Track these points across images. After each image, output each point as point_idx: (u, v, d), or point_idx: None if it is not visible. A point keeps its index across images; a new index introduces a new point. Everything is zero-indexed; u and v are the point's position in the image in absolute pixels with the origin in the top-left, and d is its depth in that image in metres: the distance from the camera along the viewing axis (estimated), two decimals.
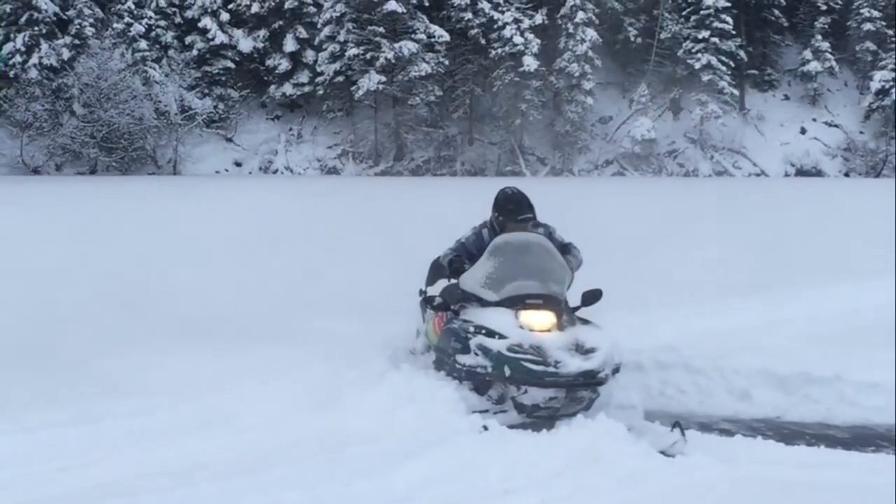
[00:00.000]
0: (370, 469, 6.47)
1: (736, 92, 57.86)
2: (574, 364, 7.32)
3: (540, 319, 7.77)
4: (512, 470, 6.43)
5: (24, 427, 7.66)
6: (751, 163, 58.13)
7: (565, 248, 8.66)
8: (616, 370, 7.61)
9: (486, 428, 7.18)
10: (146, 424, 7.74)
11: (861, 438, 7.88)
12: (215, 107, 56.25)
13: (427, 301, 8.60)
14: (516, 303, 7.91)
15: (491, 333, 7.62)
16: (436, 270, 9.40)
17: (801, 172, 57.31)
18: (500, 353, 7.44)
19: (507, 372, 7.39)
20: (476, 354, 7.62)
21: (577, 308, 8.30)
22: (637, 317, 8.87)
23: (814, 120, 59.86)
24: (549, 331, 7.67)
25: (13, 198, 32.91)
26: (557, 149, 58.18)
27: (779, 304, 13.60)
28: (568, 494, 5.95)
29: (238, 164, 58.14)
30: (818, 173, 57.19)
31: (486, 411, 7.53)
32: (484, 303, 8.14)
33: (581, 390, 7.45)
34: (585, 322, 7.99)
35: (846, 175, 57.04)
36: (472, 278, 8.28)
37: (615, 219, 25.27)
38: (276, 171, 57.75)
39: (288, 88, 58.38)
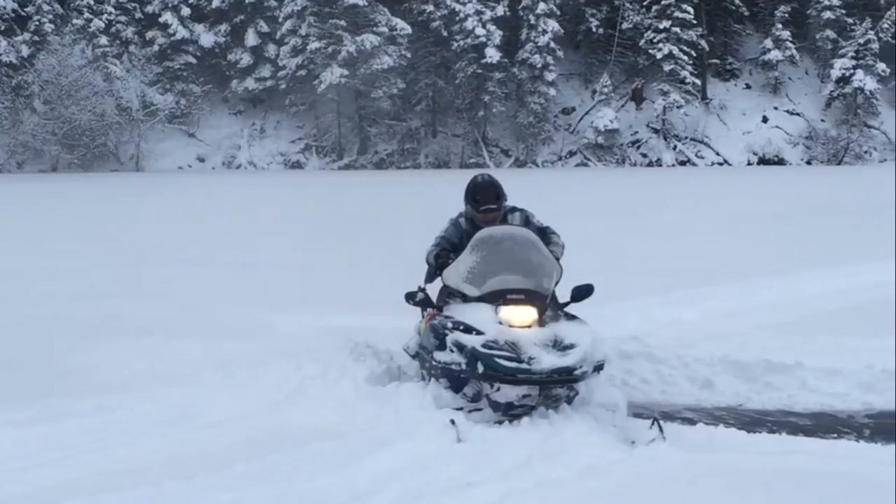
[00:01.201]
0: (333, 464, 6.44)
1: (698, 81, 58.15)
2: (548, 360, 7.08)
3: (520, 315, 7.53)
4: (475, 463, 6.42)
5: None
6: (713, 152, 58.43)
7: (543, 233, 8.38)
8: (598, 367, 7.43)
9: (453, 422, 7.00)
10: (109, 422, 7.66)
11: (823, 425, 7.90)
12: (177, 102, 56.07)
13: (408, 297, 8.20)
14: (498, 298, 7.66)
15: (469, 329, 7.39)
16: (429, 268, 8.93)
17: (763, 161, 57.67)
18: (475, 349, 7.20)
19: (480, 368, 7.18)
20: (451, 351, 7.40)
21: (566, 304, 8.04)
22: (601, 307, 8.84)
23: (775, 108, 60.24)
24: (529, 326, 7.43)
25: None
26: (521, 140, 58.31)
27: (743, 292, 13.66)
28: (531, 486, 5.94)
29: (201, 160, 57.99)
30: (780, 162, 57.58)
31: (461, 409, 7.30)
32: (467, 298, 7.91)
33: (556, 388, 7.24)
34: (572, 317, 7.74)
35: (808, 163, 57.45)
36: (455, 273, 8.04)
37: (579, 210, 25.36)
38: (239, 167, 57.63)
39: (250, 83, 58.28)
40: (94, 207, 29.58)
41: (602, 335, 7.71)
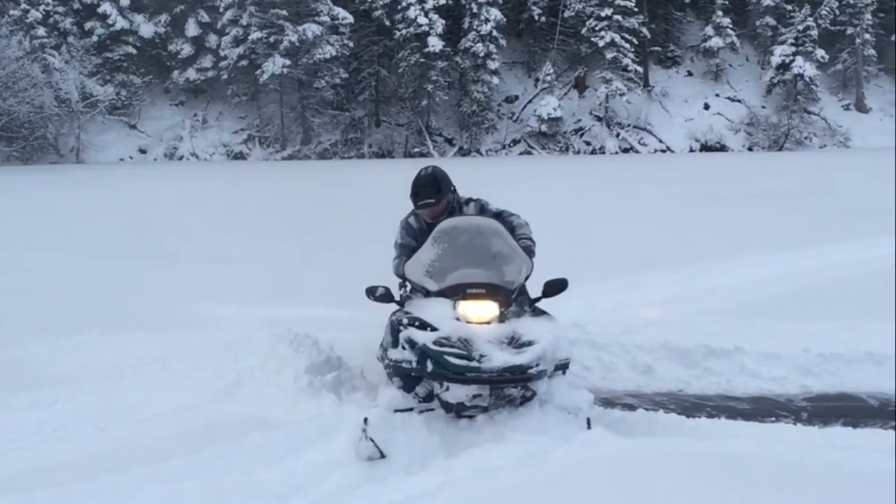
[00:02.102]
0: (271, 456, 6.41)
1: (640, 69, 58.45)
2: (500, 358, 6.68)
3: (478, 310, 7.15)
4: (413, 452, 6.41)
5: None
6: (656, 139, 58.78)
7: (499, 217, 8.04)
8: (561, 367, 7.12)
9: (366, 421, 6.70)
10: (44, 417, 7.60)
11: (761, 409, 7.96)
12: (118, 93, 55.60)
13: (369, 292, 7.72)
14: (458, 292, 7.26)
15: (424, 325, 7.01)
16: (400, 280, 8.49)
17: (705, 147, 58.10)
18: (425, 346, 6.81)
19: (430, 367, 6.78)
20: (403, 348, 7.02)
21: (538, 298, 7.64)
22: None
23: (717, 95, 60.74)
24: (488, 322, 7.06)
25: None
26: (465, 129, 58.34)
27: (684, 278, 13.74)
28: (469, 474, 5.93)
29: (143, 152, 57.55)
30: (722, 148, 58.05)
31: (411, 409, 7.00)
32: (427, 293, 7.51)
33: (509, 387, 6.88)
34: (539, 313, 7.40)
35: (749, 149, 57.95)
36: (416, 266, 7.63)
37: (522, 198, 25.39)
38: (181, 158, 57.25)
39: (191, 73, 57.92)
40: (33, 200, 29.24)
41: (566, 335, 7.41)
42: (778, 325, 10.11)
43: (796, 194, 26.51)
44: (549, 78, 58.97)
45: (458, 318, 7.09)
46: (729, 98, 60.72)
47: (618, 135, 58.70)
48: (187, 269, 15.61)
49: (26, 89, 51.66)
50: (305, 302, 11.59)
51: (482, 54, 56.42)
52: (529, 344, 6.84)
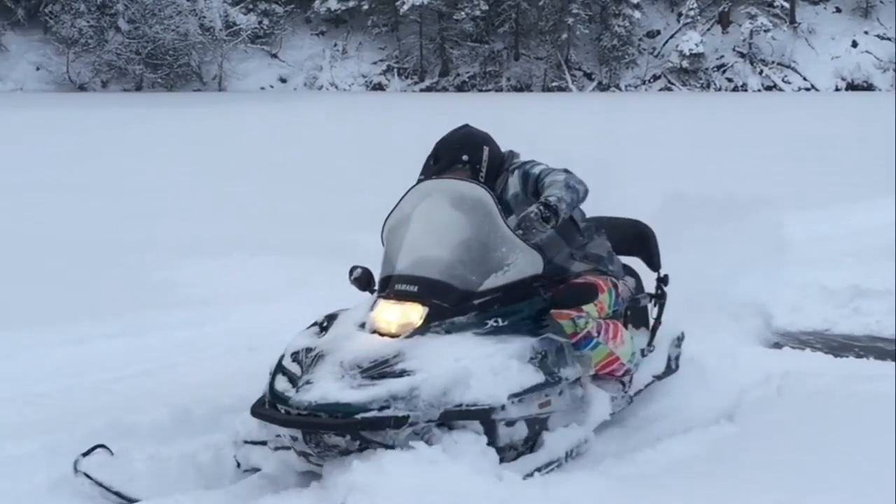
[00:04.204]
0: None
1: (786, 4, 57.03)
2: (320, 391, 4.78)
3: (388, 316, 5.23)
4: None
5: (75, 338, 7.76)
6: (801, 77, 57.39)
7: (537, 181, 5.75)
8: (447, 416, 4.83)
9: (238, 464, 5.23)
10: (196, 336, 7.83)
11: None
12: (260, 22, 56.14)
13: (349, 273, 6.03)
14: (386, 286, 5.43)
15: (324, 328, 5.49)
16: None
17: (851, 87, 56.50)
18: (278, 362, 5.26)
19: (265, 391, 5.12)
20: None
21: (548, 307, 5.53)
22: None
23: (865, 33, 58.88)
24: (396, 335, 5.13)
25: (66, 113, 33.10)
26: (604, 64, 57.72)
27: (829, 218, 13.53)
28: None
29: (283, 81, 58.09)
30: (869, 87, 56.36)
31: (265, 443, 5.12)
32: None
33: (330, 434, 4.79)
34: (500, 331, 5.24)
35: None
36: (387, 235, 5.72)
37: (660, 135, 25.09)
38: (320, 88, 57.64)
39: (333, 3, 58.15)
40: (178, 127, 29.82)
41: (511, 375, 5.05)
42: None
43: None
44: (692, 13, 57.80)
45: (363, 324, 5.29)
46: (878, 36, 58.82)
47: (761, 72, 57.46)
48: (327, 197, 15.78)
49: (171, 17, 52.46)
50: None
51: None
52: (400, 374, 4.83)
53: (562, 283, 5.82)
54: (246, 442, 5.16)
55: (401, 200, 5.69)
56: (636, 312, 6.68)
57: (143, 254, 11.03)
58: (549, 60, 57.89)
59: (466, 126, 6.15)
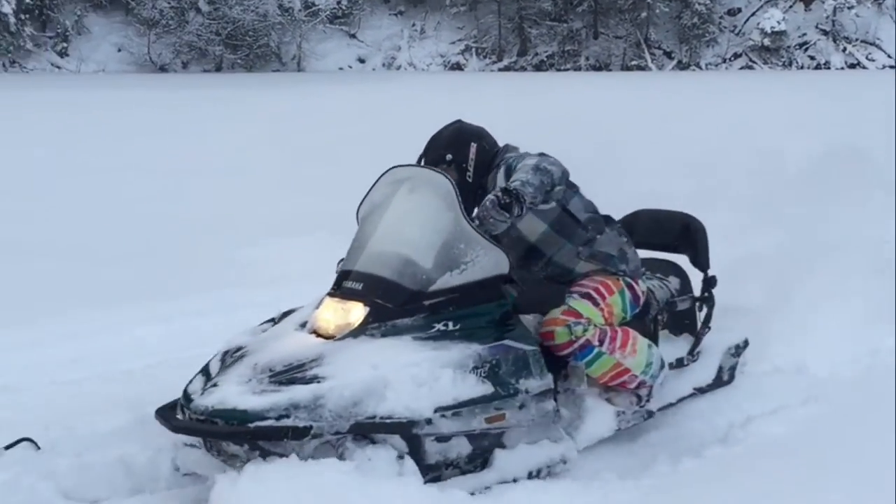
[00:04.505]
0: None
1: None
2: (219, 395, 4.55)
3: (328, 315, 4.99)
4: None
5: (162, 316, 7.89)
6: (885, 54, 56.36)
7: (511, 171, 5.38)
8: (354, 429, 4.50)
9: (177, 469, 4.99)
10: None
11: None
12: (338, 2, 56.21)
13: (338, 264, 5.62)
14: (335, 282, 5.23)
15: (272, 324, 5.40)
16: None
17: None
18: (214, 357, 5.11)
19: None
20: None
21: (508, 313, 5.18)
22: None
23: None
24: (331, 336, 4.88)
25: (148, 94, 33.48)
26: (684, 42, 57.11)
27: None
28: None
29: (361, 61, 58.18)
30: None
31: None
32: None
33: (228, 443, 4.61)
34: (442, 337, 4.87)
35: None
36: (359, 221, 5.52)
37: (743, 114, 24.81)
38: (398, 68, 57.68)
39: None
40: (261, 107, 30.04)
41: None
42: None
43: None
44: None
45: (304, 324, 5.11)
46: None
47: (844, 49, 56.53)
48: None
49: None
50: None
51: None
52: (309, 381, 4.53)
53: (569, 284, 5.61)
54: (186, 474, 4.92)
55: (371, 188, 5.50)
56: (675, 317, 6.32)
57: (227, 233, 11.16)
58: (628, 39, 57.46)
59: (458, 122, 5.99)
